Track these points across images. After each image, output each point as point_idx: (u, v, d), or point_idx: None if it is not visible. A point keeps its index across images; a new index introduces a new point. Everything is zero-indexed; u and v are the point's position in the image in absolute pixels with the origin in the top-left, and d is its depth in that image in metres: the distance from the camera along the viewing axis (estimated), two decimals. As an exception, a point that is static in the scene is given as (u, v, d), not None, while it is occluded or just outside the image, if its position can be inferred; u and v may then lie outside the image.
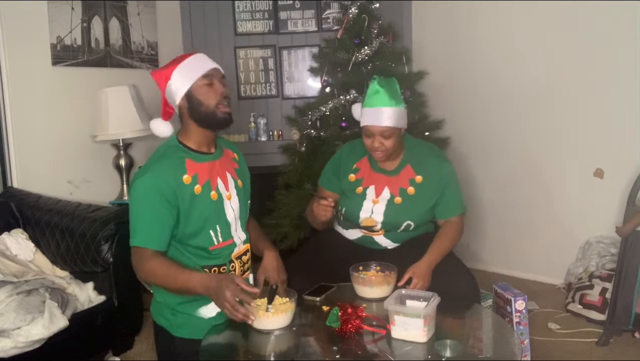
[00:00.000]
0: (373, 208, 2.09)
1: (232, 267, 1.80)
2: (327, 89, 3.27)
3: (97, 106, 3.08)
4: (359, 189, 2.11)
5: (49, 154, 2.98)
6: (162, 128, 1.78)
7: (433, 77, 3.45)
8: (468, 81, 3.62)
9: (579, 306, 2.86)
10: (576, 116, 3.17)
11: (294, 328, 1.66)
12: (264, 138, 3.99)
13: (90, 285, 2.40)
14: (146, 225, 1.65)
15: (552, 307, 3.00)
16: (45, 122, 2.97)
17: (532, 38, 3.30)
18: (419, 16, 3.89)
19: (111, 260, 2.43)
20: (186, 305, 1.73)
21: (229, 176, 1.81)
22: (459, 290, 1.94)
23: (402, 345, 1.54)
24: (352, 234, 2.20)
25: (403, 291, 1.72)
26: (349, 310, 1.58)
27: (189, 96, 1.70)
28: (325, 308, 1.77)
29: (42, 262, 2.52)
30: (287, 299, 1.69)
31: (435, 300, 1.60)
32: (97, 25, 3.27)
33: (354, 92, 3.11)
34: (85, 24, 3.18)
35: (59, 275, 2.45)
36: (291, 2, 4.00)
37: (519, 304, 2.24)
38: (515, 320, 2.24)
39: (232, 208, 1.79)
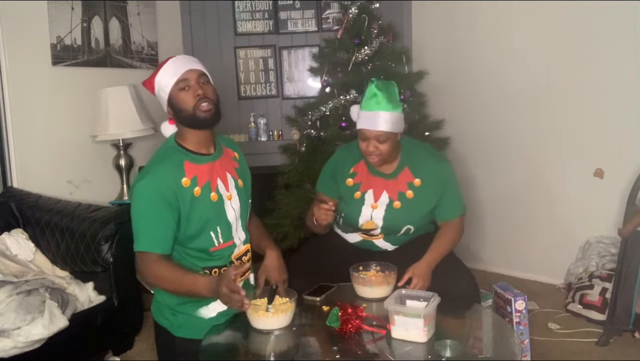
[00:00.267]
0: (372, 214, 2.08)
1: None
2: (327, 89, 3.27)
3: (97, 106, 3.08)
4: (357, 194, 2.09)
5: (49, 154, 2.98)
6: (171, 131, 1.80)
7: (433, 77, 3.45)
8: (468, 81, 3.62)
9: (579, 306, 2.86)
10: (576, 116, 3.17)
11: (294, 328, 1.66)
12: (264, 138, 3.99)
13: (90, 285, 2.40)
14: (149, 229, 1.65)
15: (552, 307, 3.00)
16: (45, 122, 2.97)
17: (532, 38, 3.30)
18: (419, 16, 3.89)
19: (111, 260, 2.43)
20: (187, 305, 1.73)
21: (229, 176, 1.80)
22: (459, 290, 1.94)
23: (402, 345, 1.54)
24: (352, 238, 2.19)
25: (403, 291, 1.72)
26: (349, 310, 1.58)
27: (170, 103, 1.71)
28: (325, 308, 1.77)
29: (42, 261, 2.52)
30: (287, 299, 1.69)
31: (435, 300, 1.60)
32: (97, 25, 3.27)
33: (354, 92, 3.10)
34: (85, 24, 3.18)
35: (59, 275, 2.45)
36: (291, 2, 4.00)
37: (519, 304, 2.24)
38: (515, 320, 2.24)
39: (233, 208, 1.79)
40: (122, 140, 3.15)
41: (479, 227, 3.59)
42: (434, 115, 3.42)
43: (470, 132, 3.60)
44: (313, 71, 3.35)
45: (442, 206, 2.09)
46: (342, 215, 2.14)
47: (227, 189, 1.78)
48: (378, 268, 1.94)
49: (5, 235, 2.51)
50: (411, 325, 1.53)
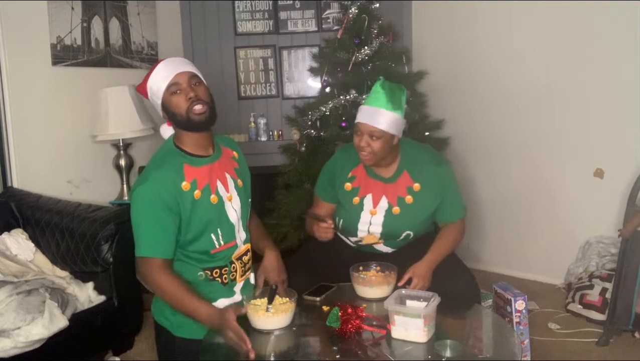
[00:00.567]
0: (371, 220, 2.06)
1: (233, 267, 1.80)
2: (327, 89, 3.27)
3: (97, 106, 3.07)
4: (356, 199, 2.06)
5: (49, 154, 2.98)
6: (170, 133, 1.79)
7: (433, 77, 3.44)
8: (468, 81, 3.62)
9: (579, 306, 2.86)
10: (576, 116, 3.17)
11: (294, 328, 1.66)
12: (264, 138, 3.99)
13: (90, 285, 2.40)
14: (150, 234, 1.64)
15: (552, 307, 2.99)
16: (45, 122, 2.97)
17: (532, 38, 3.30)
18: (419, 16, 3.89)
19: (111, 260, 2.43)
20: (187, 305, 1.72)
21: (228, 177, 1.79)
22: (459, 290, 1.94)
23: (402, 345, 1.54)
24: (351, 241, 2.18)
25: (403, 291, 1.72)
26: (349, 310, 1.58)
27: (164, 108, 1.70)
28: (325, 308, 1.77)
29: (42, 262, 2.52)
30: (287, 299, 1.69)
31: (435, 300, 1.60)
32: (97, 25, 3.27)
33: (354, 92, 3.10)
34: (85, 24, 3.18)
35: (59, 275, 2.45)
36: (291, 2, 4.00)
37: (519, 304, 2.24)
38: (515, 320, 2.24)
39: (234, 209, 1.78)
40: (122, 140, 3.15)
41: (479, 227, 3.59)
42: (434, 115, 3.42)
43: (470, 132, 3.60)
44: (313, 71, 3.35)
45: (443, 209, 2.07)
46: (341, 222, 2.13)
47: (227, 190, 1.77)
48: (378, 268, 1.94)
49: (5, 235, 2.51)
50: (411, 325, 1.53)
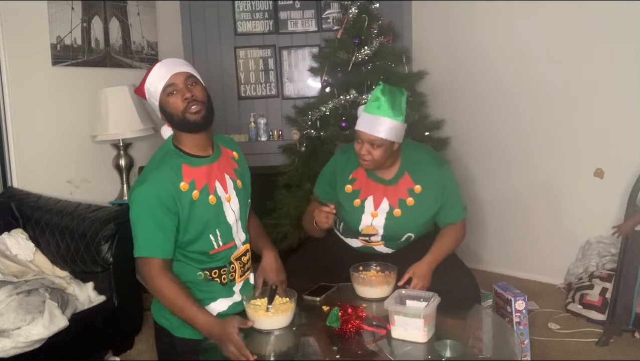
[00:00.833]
0: (372, 222, 2.05)
1: (232, 268, 1.80)
2: (327, 89, 3.26)
3: (97, 106, 3.08)
4: (357, 202, 2.06)
5: (49, 154, 2.98)
6: (170, 134, 1.79)
7: (433, 77, 3.44)
8: (468, 81, 3.62)
9: (579, 306, 2.86)
10: (576, 116, 3.17)
11: (294, 328, 1.66)
12: (264, 138, 3.99)
13: (90, 285, 2.40)
14: (149, 234, 1.63)
15: (552, 307, 3.00)
16: (45, 122, 2.97)
17: (532, 38, 3.30)
18: (419, 16, 3.89)
19: (111, 260, 2.43)
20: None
21: (227, 178, 1.79)
22: (460, 290, 1.94)
23: (402, 345, 1.55)
24: (353, 243, 2.17)
25: (403, 291, 1.72)
26: (349, 310, 1.58)
27: (161, 109, 1.70)
28: (325, 308, 1.77)
29: (42, 262, 2.51)
30: (287, 299, 1.69)
31: (435, 300, 1.60)
32: (97, 25, 3.27)
33: (354, 92, 3.10)
34: (85, 24, 3.18)
35: (59, 275, 2.44)
36: (291, 2, 4.00)
37: (519, 304, 2.24)
38: (515, 320, 2.24)
39: (233, 210, 1.78)
40: (122, 140, 3.15)
41: (479, 227, 3.59)
42: (434, 115, 3.42)
43: (470, 132, 3.60)
44: (313, 71, 3.35)
45: (444, 211, 2.06)
46: (342, 223, 2.12)
47: (226, 191, 1.77)
48: (378, 268, 1.94)
49: (5, 235, 2.51)
50: (411, 325, 1.53)
